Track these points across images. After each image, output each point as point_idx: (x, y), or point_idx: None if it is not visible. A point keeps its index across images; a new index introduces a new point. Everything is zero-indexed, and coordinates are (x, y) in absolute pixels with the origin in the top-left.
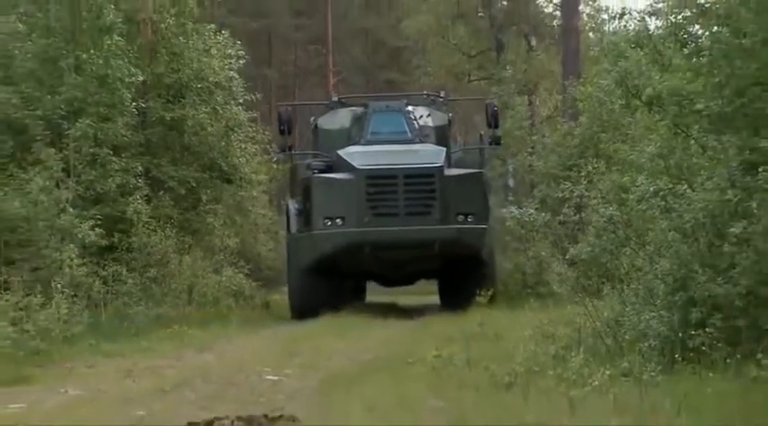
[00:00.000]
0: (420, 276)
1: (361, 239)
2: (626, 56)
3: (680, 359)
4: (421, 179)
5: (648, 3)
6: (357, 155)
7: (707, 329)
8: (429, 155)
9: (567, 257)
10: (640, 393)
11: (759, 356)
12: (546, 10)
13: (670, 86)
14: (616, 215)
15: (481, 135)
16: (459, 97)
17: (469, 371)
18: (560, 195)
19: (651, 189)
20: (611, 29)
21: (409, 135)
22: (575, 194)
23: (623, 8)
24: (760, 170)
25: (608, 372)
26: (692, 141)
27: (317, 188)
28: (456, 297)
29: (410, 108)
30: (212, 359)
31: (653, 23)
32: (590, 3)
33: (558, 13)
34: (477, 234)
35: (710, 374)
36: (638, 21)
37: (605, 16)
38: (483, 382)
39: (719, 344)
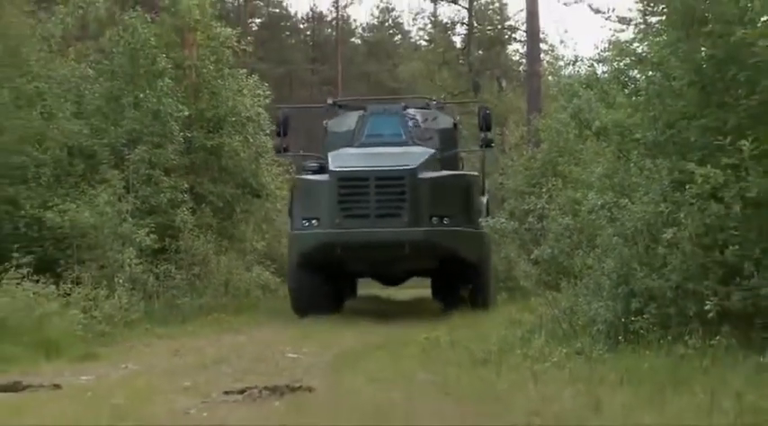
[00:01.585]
0: (412, 274)
1: (332, 240)
2: (578, 95)
3: (622, 340)
4: (392, 181)
5: (596, 52)
6: (339, 156)
7: (644, 316)
8: (407, 157)
9: (531, 258)
10: (590, 367)
11: (686, 338)
12: (513, 58)
13: (614, 120)
14: (571, 223)
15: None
16: (452, 101)
17: (452, 350)
18: (525, 207)
19: (599, 202)
20: (566, 73)
21: (404, 137)
22: (537, 207)
23: (576, 56)
24: (687, 187)
25: (564, 351)
26: (632, 164)
27: (297, 189)
28: (448, 296)
29: (412, 111)
30: (244, 341)
31: (600, 69)
32: (549, 52)
33: (523, 60)
34: (449, 235)
35: (647, 352)
36: (588, 67)
37: (561, 63)
38: (464, 359)
39: (654, 328)
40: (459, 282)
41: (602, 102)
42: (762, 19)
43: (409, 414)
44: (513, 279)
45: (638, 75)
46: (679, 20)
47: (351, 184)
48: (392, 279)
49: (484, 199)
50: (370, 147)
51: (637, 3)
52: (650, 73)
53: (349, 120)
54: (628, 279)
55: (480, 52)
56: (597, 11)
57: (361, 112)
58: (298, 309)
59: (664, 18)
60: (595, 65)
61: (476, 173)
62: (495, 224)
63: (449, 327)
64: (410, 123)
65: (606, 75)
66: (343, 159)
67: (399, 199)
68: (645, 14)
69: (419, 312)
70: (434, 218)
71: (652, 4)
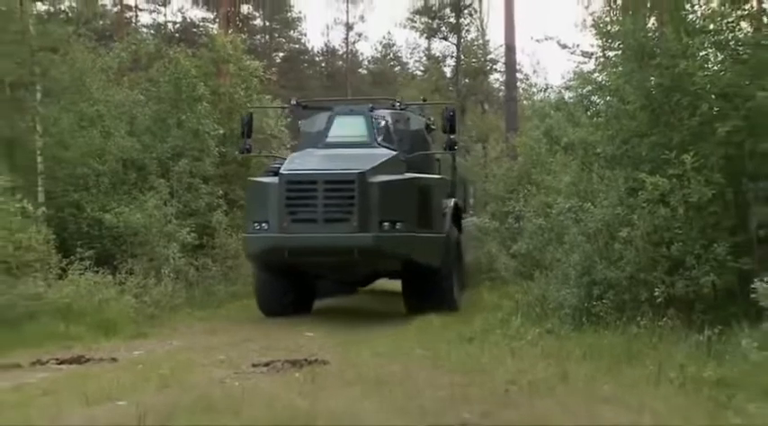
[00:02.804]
0: (377, 277)
1: (279, 244)
2: (549, 116)
3: (585, 321)
4: (340, 185)
5: (563, 80)
6: (294, 158)
7: (603, 301)
8: (362, 160)
9: (510, 252)
10: (559, 344)
11: (638, 319)
12: (494, 85)
13: (578, 137)
14: (543, 223)
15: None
16: (415, 103)
17: (443, 331)
18: (505, 209)
19: (566, 206)
20: (538, 98)
21: (368, 139)
22: (515, 209)
23: (546, 84)
24: (639, 193)
25: (537, 330)
26: (594, 174)
27: (250, 191)
28: (412, 299)
29: (381, 112)
30: (269, 323)
31: (567, 94)
32: (524, 81)
33: (502, 87)
34: (401, 241)
35: (606, 331)
36: (557, 93)
37: (534, 90)
38: (453, 337)
39: (611, 311)
40: (425, 286)
41: (569, 122)
42: (700, 54)
43: (406, 381)
44: (494, 270)
45: (599, 100)
46: (632, 54)
47: (298, 188)
48: (358, 282)
49: (451, 202)
50: (333, 149)
51: (597, 40)
52: (608, 98)
53: (319, 121)
54: (590, 271)
55: (467, 80)
56: (564, 46)
57: (332, 113)
58: (262, 309)
59: (620, 53)
60: (563, 91)
61: (439, 177)
62: (480, 223)
63: (439, 313)
64: (377, 124)
65: (572, 99)
66: (298, 161)
67: (348, 203)
68: (604, 49)
69: None
70: (386, 224)
71: (610, 41)
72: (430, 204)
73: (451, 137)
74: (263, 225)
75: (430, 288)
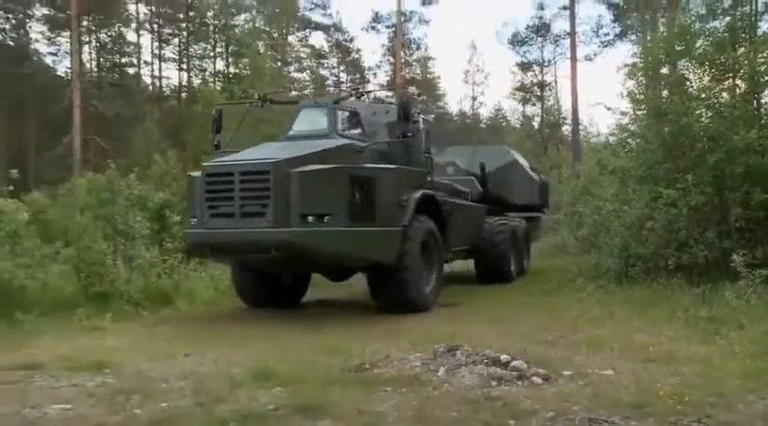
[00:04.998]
0: (353, 271)
1: (201, 240)
2: (600, 152)
3: (624, 281)
4: (255, 176)
5: (609, 129)
6: (242, 152)
7: (635, 268)
8: (295, 150)
9: (575, 237)
10: (607, 295)
11: (658, 280)
12: (565, 133)
13: (619, 165)
14: (596, 218)
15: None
16: (367, 91)
17: (531, 287)
18: (573, 210)
19: (611, 208)
20: (593, 140)
21: (327, 130)
22: (579, 210)
23: (598, 132)
24: (658, 200)
25: (593, 286)
26: (629, 188)
27: (189, 186)
28: (377, 296)
29: (351, 105)
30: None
31: (611, 138)
32: (584, 129)
33: (570, 134)
34: (325, 236)
35: (637, 287)
36: (605, 137)
37: (590, 135)
38: (537, 292)
39: (641, 274)
40: (387, 282)
41: (613, 155)
42: (696, 112)
43: (511, 318)
44: (565, 248)
45: (631, 141)
46: (652, 113)
47: (216, 180)
48: (336, 276)
49: (418, 194)
50: (289, 141)
51: (630, 104)
52: (638, 140)
53: (293, 115)
54: (626, 248)
55: (547, 130)
56: (608, 108)
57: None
58: (243, 301)
59: (644, 112)
60: (608, 136)
61: (394, 166)
62: (555, 218)
63: (521, 277)
64: (341, 116)
65: (614, 141)
66: (233, 155)
67: (263, 195)
68: (634, 110)
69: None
70: (310, 217)
71: (638, 105)
72: (373, 195)
73: (404, 125)
74: (193, 220)
75: (392, 284)
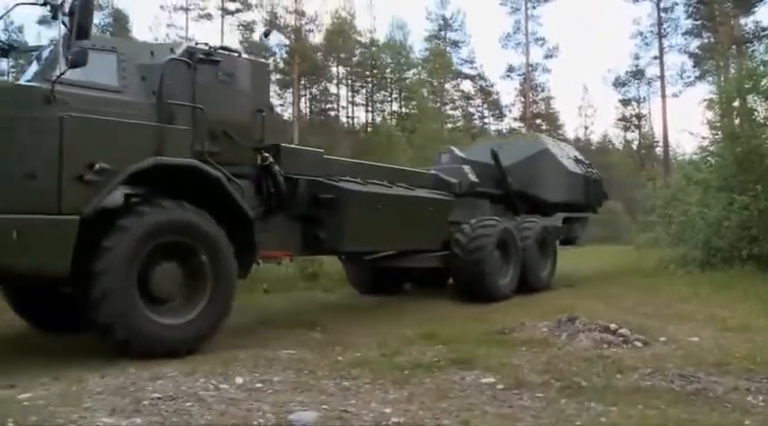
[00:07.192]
0: None
1: None
2: (685, 167)
3: (707, 267)
4: None
5: (693, 149)
6: None
7: (716, 257)
8: None
9: (667, 232)
10: (694, 278)
11: (735, 267)
12: (658, 153)
13: (702, 177)
14: (684, 218)
15: None
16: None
17: (635, 272)
18: (666, 212)
19: (696, 210)
20: (680, 158)
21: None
22: (670, 212)
23: (684, 152)
24: (734, 204)
25: (682, 271)
26: (710, 195)
27: None
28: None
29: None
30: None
31: (694, 157)
32: (673, 150)
33: (662, 153)
34: None
35: (717, 272)
36: (689, 157)
37: (678, 153)
38: (637, 274)
39: (720, 263)
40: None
41: (696, 170)
42: (763, 136)
43: (619, 295)
44: (658, 242)
45: (710, 159)
46: (727, 136)
47: None
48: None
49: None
50: None
51: (710, 129)
52: (717, 158)
53: None
54: (709, 242)
55: (643, 151)
56: (692, 133)
57: None
58: None
59: (720, 135)
60: (693, 155)
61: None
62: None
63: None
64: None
65: (697, 158)
66: None
67: None
68: (713, 134)
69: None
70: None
71: (716, 130)
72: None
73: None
74: None
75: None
